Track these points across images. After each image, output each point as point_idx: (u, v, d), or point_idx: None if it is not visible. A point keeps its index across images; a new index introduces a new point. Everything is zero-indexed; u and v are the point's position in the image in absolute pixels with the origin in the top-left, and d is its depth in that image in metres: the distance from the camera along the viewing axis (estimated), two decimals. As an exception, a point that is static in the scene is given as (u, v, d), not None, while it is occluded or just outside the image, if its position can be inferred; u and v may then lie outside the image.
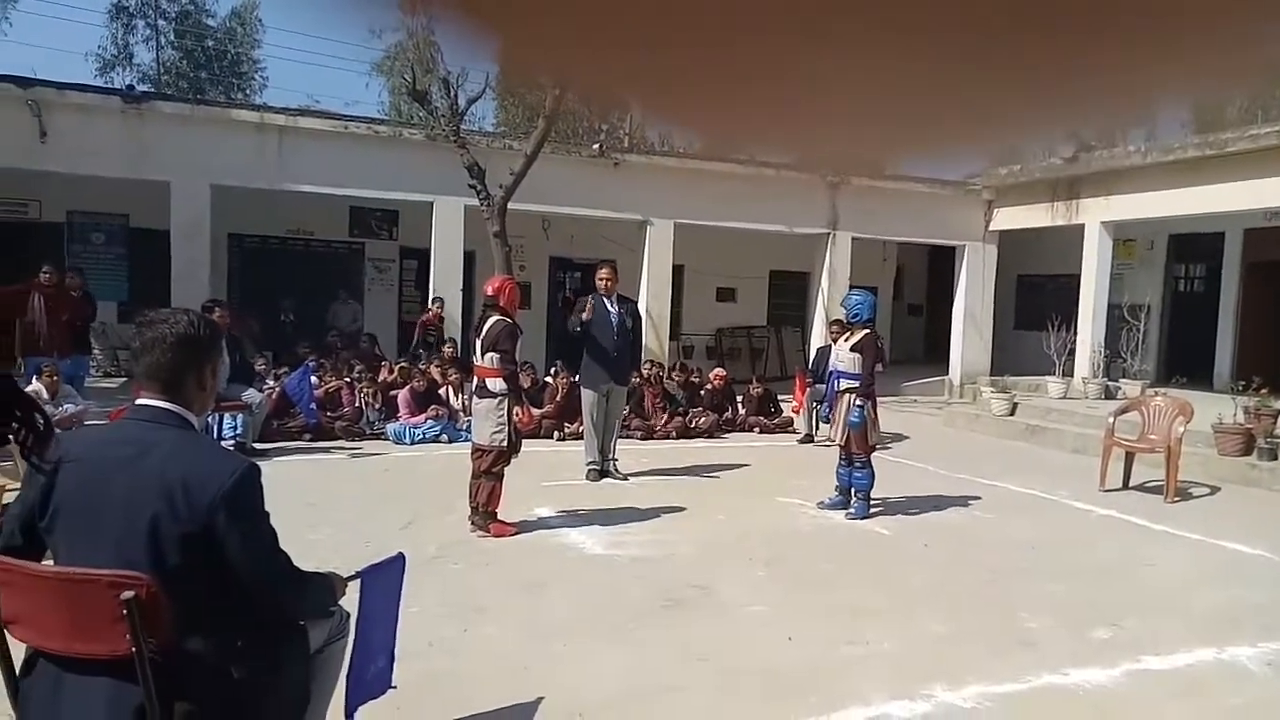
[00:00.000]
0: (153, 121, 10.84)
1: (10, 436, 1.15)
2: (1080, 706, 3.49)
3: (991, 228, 15.12)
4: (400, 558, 2.68)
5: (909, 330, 19.37)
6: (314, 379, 9.01)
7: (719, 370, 11.22)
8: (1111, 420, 8.04)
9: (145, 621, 1.85)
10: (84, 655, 1.94)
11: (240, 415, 7.85)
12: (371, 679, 2.59)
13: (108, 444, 2.09)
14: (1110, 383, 13.11)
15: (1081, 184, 13.44)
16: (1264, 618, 4.57)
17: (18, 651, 2.06)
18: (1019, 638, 4.18)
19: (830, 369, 6.99)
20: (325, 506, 6.10)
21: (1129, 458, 7.94)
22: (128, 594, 1.83)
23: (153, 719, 1.90)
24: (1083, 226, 13.57)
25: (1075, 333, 13.48)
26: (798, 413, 10.62)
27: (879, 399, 6.60)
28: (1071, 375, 13.22)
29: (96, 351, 11.58)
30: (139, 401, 2.12)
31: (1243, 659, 4.01)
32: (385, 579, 2.60)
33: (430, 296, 12.02)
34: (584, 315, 7.19)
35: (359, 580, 2.51)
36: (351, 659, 2.48)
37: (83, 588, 1.90)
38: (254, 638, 2.10)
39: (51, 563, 2.04)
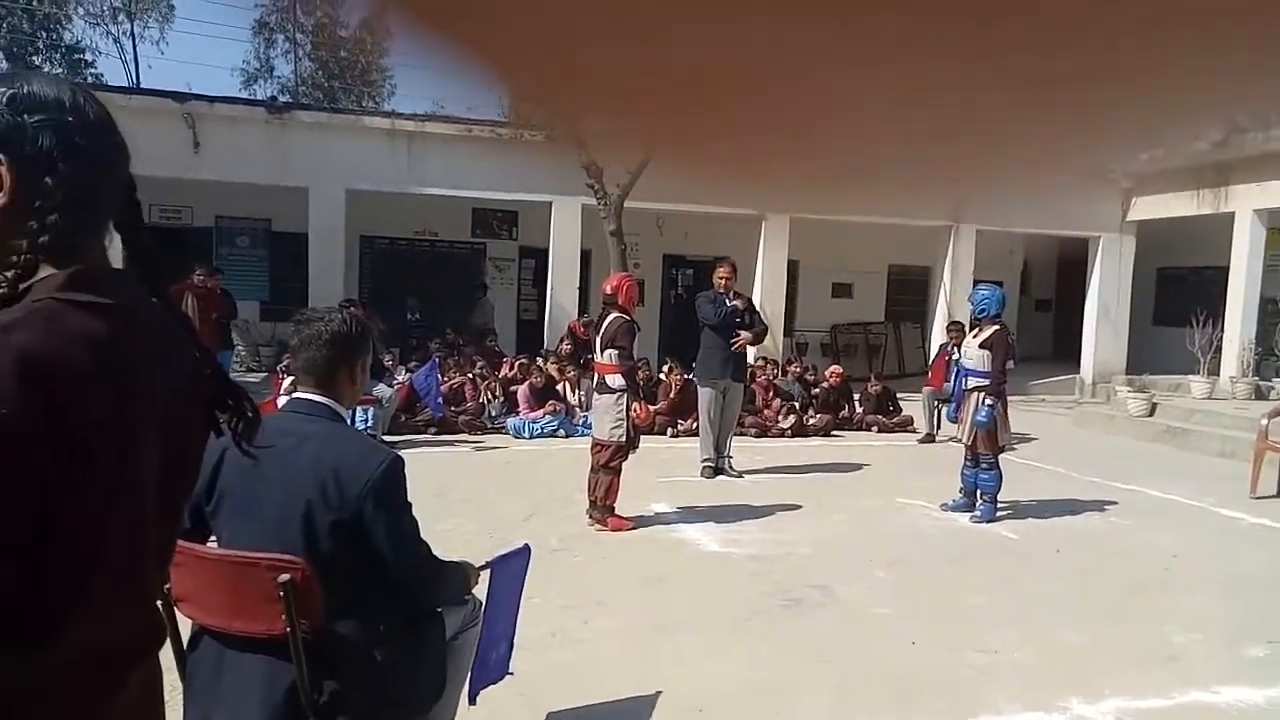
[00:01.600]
0: (293, 130, 11.48)
1: (225, 425, 1.25)
2: (1232, 727, 3.28)
3: (1130, 218, 14.29)
4: (526, 549, 2.76)
5: (1037, 327, 18.54)
6: (439, 375, 9.34)
7: (835, 368, 11.03)
8: (1265, 422, 7.50)
9: (299, 603, 1.97)
10: (243, 633, 2.08)
11: (371, 409, 8.22)
12: (493, 664, 2.68)
13: (269, 434, 2.24)
14: (1261, 382, 12.20)
15: (1231, 169, 12.54)
16: None
17: (185, 627, 2.23)
18: (1162, 651, 3.96)
19: (957, 367, 6.78)
20: (451, 498, 6.33)
21: (1285, 463, 7.38)
22: (284, 577, 1.96)
23: (304, 696, 2.03)
24: (1232, 215, 12.67)
25: (1222, 329, 12.61)
26: (938, 387, 10.18)
27: (1008, 398, 6.35)
28: (1218, 374, 12.37)
29: (239, 347, 12.35)
30: (296, 395, 2.27)
31: None
32: (511, 568, 2.69)
33: (579, 314, 12.15)
34: (725, 307, 7.23)
35: (489, 569, 2.60)
36: (478, 645, 2.58)
37: (244, 570, 2.04)
38: (396, 623, 2.21)
39: (216, 545, 2.21)
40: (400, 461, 2.19)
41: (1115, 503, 6.88)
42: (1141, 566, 5.27)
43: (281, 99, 16.08)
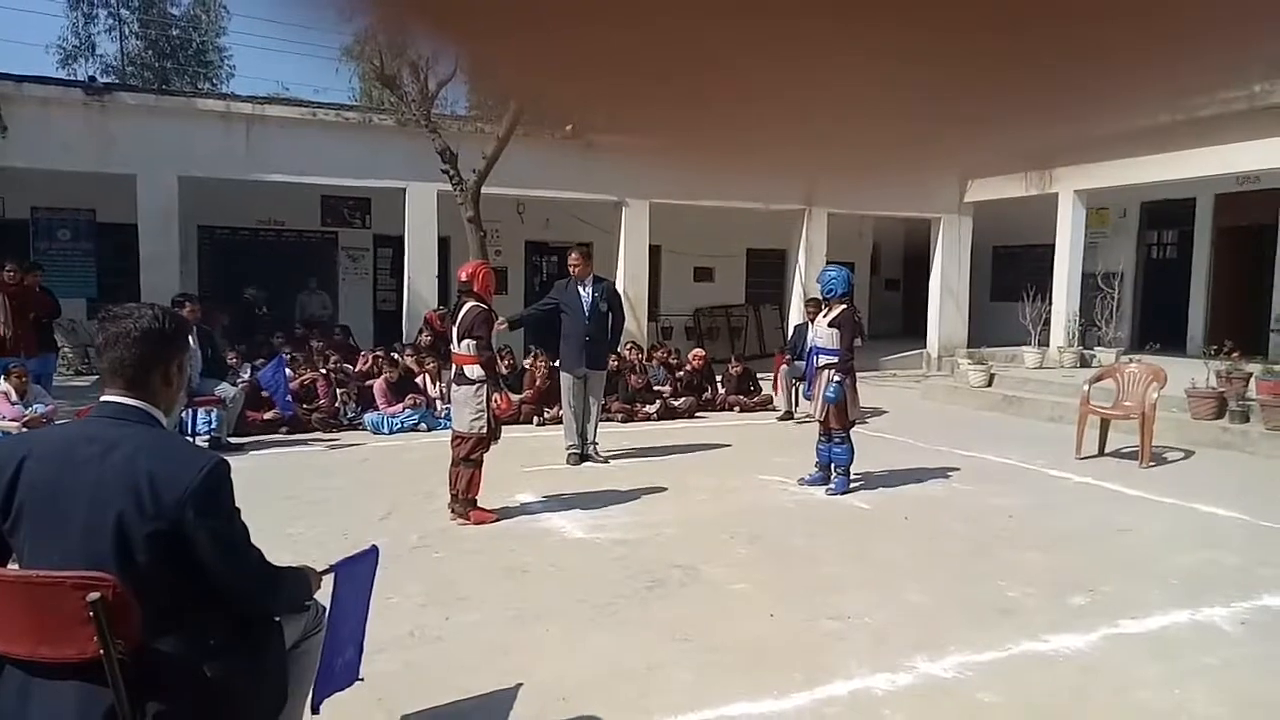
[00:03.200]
0: (116, 113, 10.65)
1: None
2: (1059, 671, 3.53)
3: (966, 199, 15.16)
4: (374, 550, 2.65)
5: (887, 305, 19.45)
6: (288, 371, 8.92)
7: (698, 350, 11.22)
8: (1086, 388, 8.11)
9: (112, 623, 1.82)
10: (50, 659, 1.90)
11: (214, 410, 7.77)
12: (339, 671, 2.57)
13: (72, 442, 2.05)
14: (1085, 351, 13.23)
15: (1054, 153, 13.48)
16: (1237, 578, 4.64)
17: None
18: (998, 606, 4.22)
19: (809, 345, 7.00)
20: (303, 500, 6.06)
21: (1104, 425, 8.02)
22: (94, 595, 1.80)
23: (123, 720, 1.88)
24: (1056, 196, 13.65)
25: (1050, 303, 13.58)
26: (776, 391, 10.65)
27: (858, 374, 6.61)
28: (1047, 345, 13.33)
29: (65, 349, 11.41)
30: (104, 398, 2.09)
31: (1217, 619, 4.07)
32: (358, 571, 2.58)
33: (438, 304, 11.80)
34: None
35: (332, 573, 2.49)
36: (322, 651, 2.46)
37: (47, 590, 1.87)
38: (227, 635, 2.07)
39: (16, 566, 2.01)
40: (224, 465, 2.04)
41: (958, 469, 7.30)
42: (981, 528, 5.61)
43: (104, 80, 14.91)
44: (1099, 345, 13.19)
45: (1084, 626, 3.94)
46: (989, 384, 11.74)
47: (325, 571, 2.45)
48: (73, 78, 17.66)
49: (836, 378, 6.32)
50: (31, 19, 36.76)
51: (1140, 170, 12.30)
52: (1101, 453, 7.91)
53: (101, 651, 1.82)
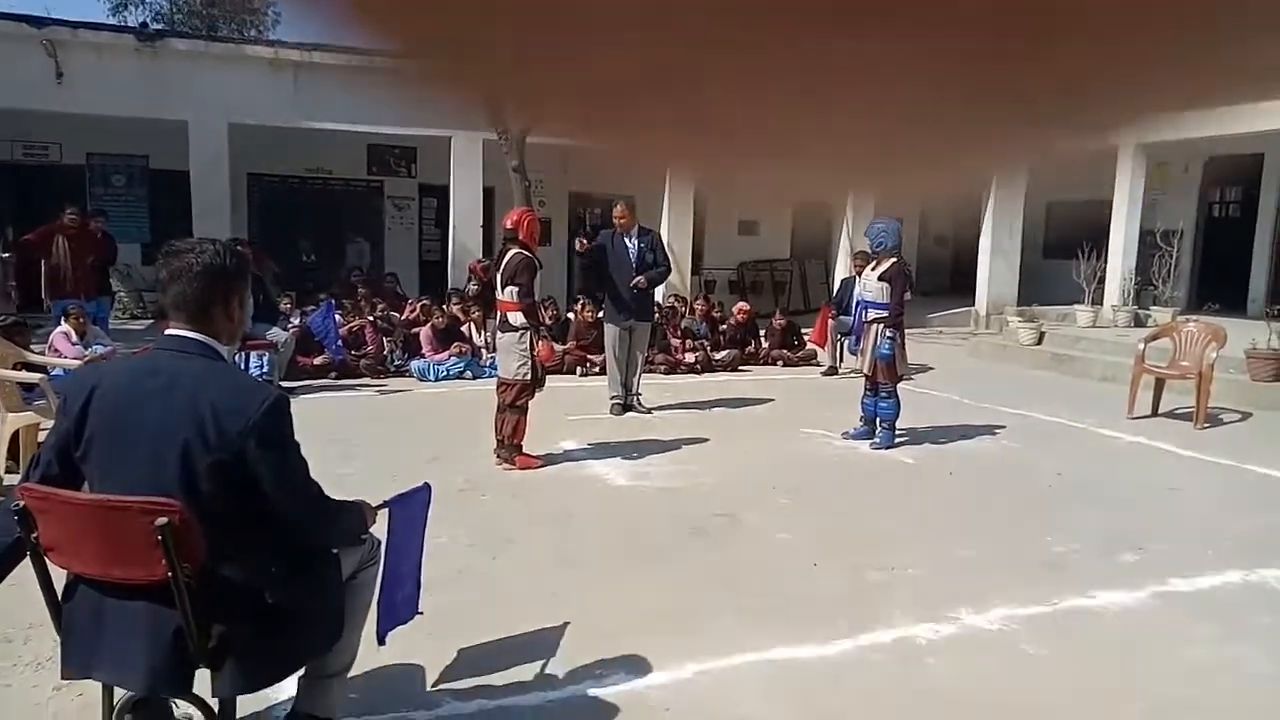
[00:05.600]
0: (167, 59, 10.76)
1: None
2: (1107, 627, 3.50)
3: (1020, 154, 14.71)
4: (426, 487, 2.70)
5: (935, 261, 19.10)
6: (337, 317, 9.05)
7: (742, 304, 11.15)
8: (1142, 346, 7.92)
9: (179, 547, 1.88)
10: (122, 580, 1.98)
11: (266, 354, 7.92)
12: (400, 605, 2.64)
13: (138, 374, 2.11)
14: (1141, 310, 12.89)
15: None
16: (1294, 541, 4.55)
17: (58, 577, 2.11)
18: (1045, 562, 4.18)
19: (857, 300, 6.91)
20: (352, 442, 6.18)
21: (1159, 385, 7.84)
22: (161, 520, 1.86)
23: (191, 641, 1.95)
24: (1115, 150, 13.19)
25: (1106, 260, 13.23)
26: (821, 345, 10.56)
27: (905, 329, 6.53)
28: (1101, 304, 13.01)
29: (121, 293, 11.69)
30: (168, 332, 2.13)
31: (1271, 581, 4.00)
32: (411, 508, 2.63)
33: (477, 226, 11.84)
34: (579, 248, 7.44)
35: (386, 509, 2.54)
36: (381, 586, 2.52)
37: (117, 515, 1.93)
38: (287, 564, 2.13)
39: (87, 490, 2.08)
40: (285, 398, 2.09)
41: (1005, 426, 7.20)
42: (1028, 485, 5.55)
43: (154, 26, 15.02)
44: (1154, 305, 12.85)
45: (1133, 584, 3.90)
46: (1039, 342, 11.52)
47: (380, 507, 2.50)
48: (123, 24, 17.82)
49: (889, 333, 6.24)
50: (83, -33, 37.08)
51: (1205, 124, 11.80)
52: (1155, 413, 7.75)
53: (169, 574, 1.88)
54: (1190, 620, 3.58)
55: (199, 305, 2.10)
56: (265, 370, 7.94)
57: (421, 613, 2.76)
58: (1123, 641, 3.37)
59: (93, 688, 2.42)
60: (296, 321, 9.05)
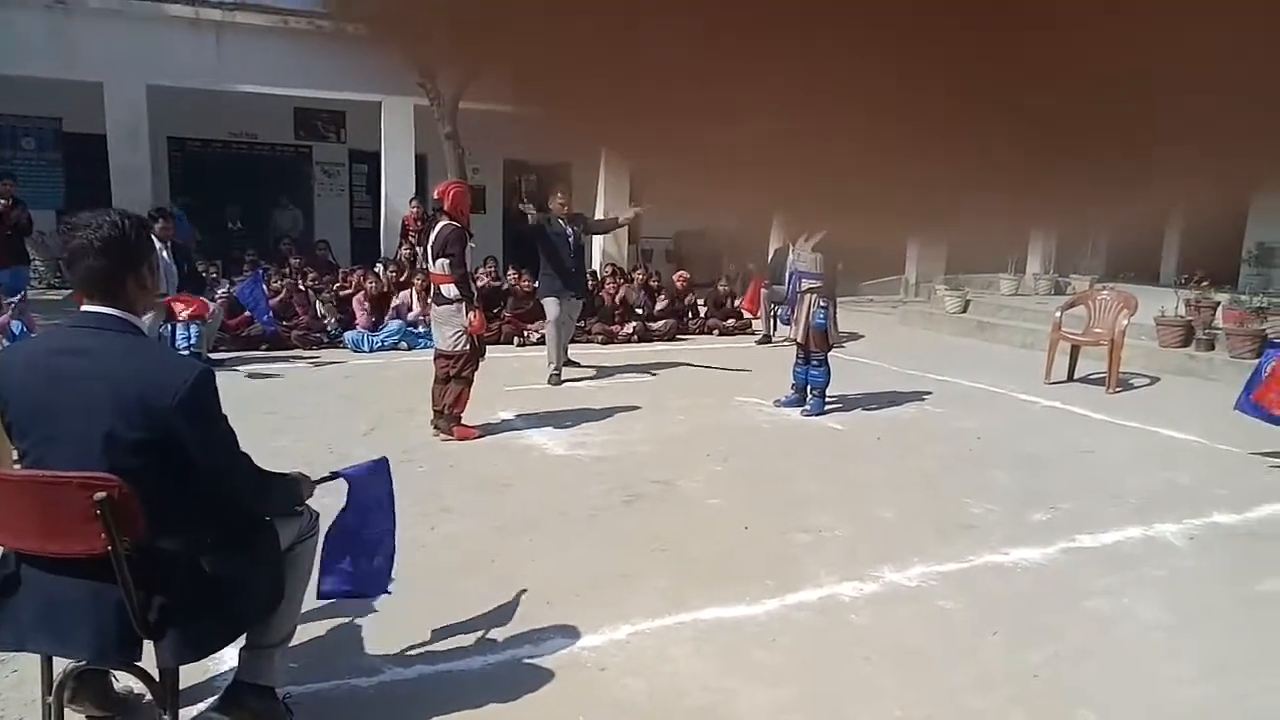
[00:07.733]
0: (81, 18, 10.30)
1: None
2: (1016, 581, 3.72)
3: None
4: (384, 460, 2.74)
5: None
6: (264, 287, 8.88)
7: (681, 273, 11.26)
8: (1058, 314, 8.26)
9: (119, 520, 1.90)
10: (60, 555, 1.99)
11: (193, 326, 7.73)
12: (365, 576, 2.66)
13: (54, 353, 2.08)
14: (1060, 278, 13.39)
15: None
16: (1190, 497, 4.86)
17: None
18: (962, 522, 4.41)
19: (790, 270, 7.05)
20: (286, 414, 6.12)
21: (1075, 351, 8.19)
22: (100, 495, 1.87)
23: (133, 614, 1.97)
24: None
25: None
26: (754, 315, 10.74)
27: (838, 299, 6.69)
28: (1023, 272, 13.47)
29: (37, 262, 11.24)
30: (84, 308, 2.10)
31: (1167, 535, 4.28)
32: (373, 482, 2.66)
33: (409, 197, 11.66)
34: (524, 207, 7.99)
35: (337, 479, 2.57)
36: (329, 550, 2.55)
37: (54, 489, 1.94)
38: (223, 534, 2.16)
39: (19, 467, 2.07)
40: (209, 372, 2.10)
41: (930, 393, 7.47)
42: (950, 449, 5.79)
43: (65, -19, 14.28)
44: (1074, 273, 13.35)
45: (1042, 541, 4.14)
46: (964, 310, 11.90)
47: (329, 477, 2.53)
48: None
49: (822, 303, 6.39)
50: (-18, -87, 34.92)
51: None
52: (1071, 378, 8.10)
53: (109, 548, 1.90)
54: (1094, 573, 3.82)
55: (108, 281, 2.07)
56: (193, 342, 7.77)
57: (390, 592, 2.77)
58: (1030, 594, 3.60)
59: (29, 664, 2.42)
60: (224, 292, 8.85)
